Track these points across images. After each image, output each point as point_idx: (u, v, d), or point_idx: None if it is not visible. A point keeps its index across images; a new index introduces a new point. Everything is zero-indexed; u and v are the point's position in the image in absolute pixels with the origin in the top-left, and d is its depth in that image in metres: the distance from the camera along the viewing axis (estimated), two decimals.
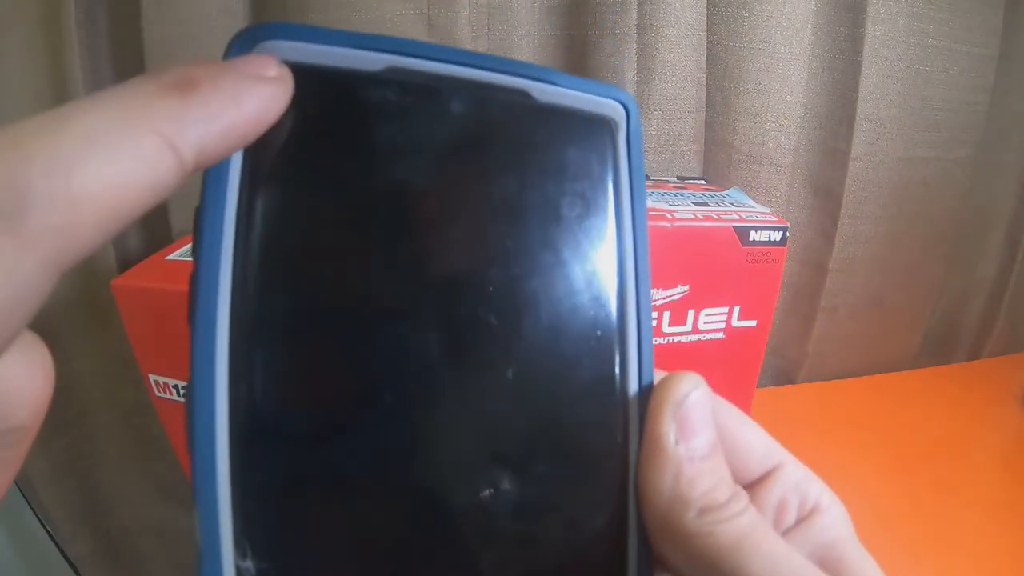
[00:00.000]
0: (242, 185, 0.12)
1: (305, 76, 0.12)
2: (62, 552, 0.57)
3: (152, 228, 0.52)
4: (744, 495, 0.14)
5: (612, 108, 0.15)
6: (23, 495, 0.54)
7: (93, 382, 0.53)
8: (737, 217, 0.37)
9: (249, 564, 0.12)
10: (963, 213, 0.61)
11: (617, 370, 0.15)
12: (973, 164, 0.59)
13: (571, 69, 0.49)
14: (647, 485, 0.14)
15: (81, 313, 0.51)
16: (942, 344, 0.68)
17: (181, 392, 0.32)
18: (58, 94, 0.44)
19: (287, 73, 0.12)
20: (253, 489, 0.12)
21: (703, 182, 0.50)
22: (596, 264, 0.15)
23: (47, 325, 0.50)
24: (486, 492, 0.14)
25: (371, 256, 0.13)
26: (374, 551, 0.13)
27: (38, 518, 0.55)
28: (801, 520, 0.16)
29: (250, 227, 0.12)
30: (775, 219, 0.38)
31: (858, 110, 0.52)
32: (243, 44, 0.12)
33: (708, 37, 0.49)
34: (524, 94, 0.14)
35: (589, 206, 0.15)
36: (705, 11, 0.48)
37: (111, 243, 0.48)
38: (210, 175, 0.12)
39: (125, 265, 0.48)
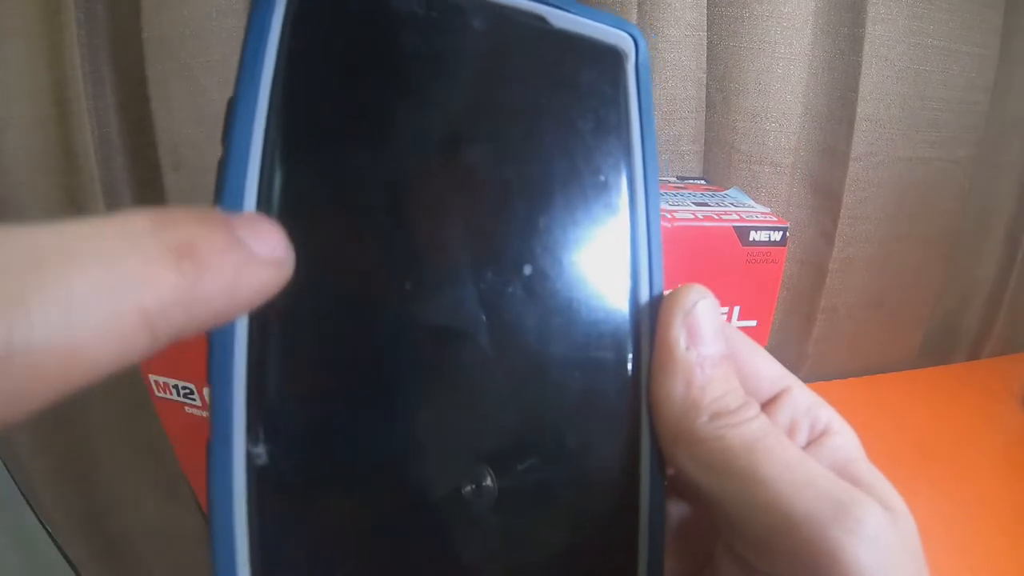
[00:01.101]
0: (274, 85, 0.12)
1: None
2: (62, 552, 0.57)
3: None
4: (755, 404, 0.14)
5: (622, 38, 0.16)
6: (23, 495, 0.54)
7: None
8: (737, 217, 0.37)
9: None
10: (963, 213, 0.61)
11: (628, 282, 0.15)
12: (973, 164, 0.59)
13: None
14: (659, 392, 0.14)
15: None
16: (942, 344, 0.68)
17: (181, 392, 0.32)
18: (58, 93, 0.44)
19: (291, 255, 0.11)
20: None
21: (703, 182, 0.50)
22: (607, 176, 0.15)
23: None
24: (501, 399, 0.14)
25: (398, 157, 0.13)
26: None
27: (38, 518, 0.55)
28: (812, 442, 0.15)
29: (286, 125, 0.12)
30: (775, 219, 0.38)
31: (858, 110, 0.52)
32: None
33: (708, 37, 0.49)
34: (541, 18, 0.15)
35: (601, 122, 0.15)
36: (705, 11, 0.48)
37: None
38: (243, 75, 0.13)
39: None
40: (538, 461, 0.14)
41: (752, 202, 0.42)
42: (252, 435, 0.12)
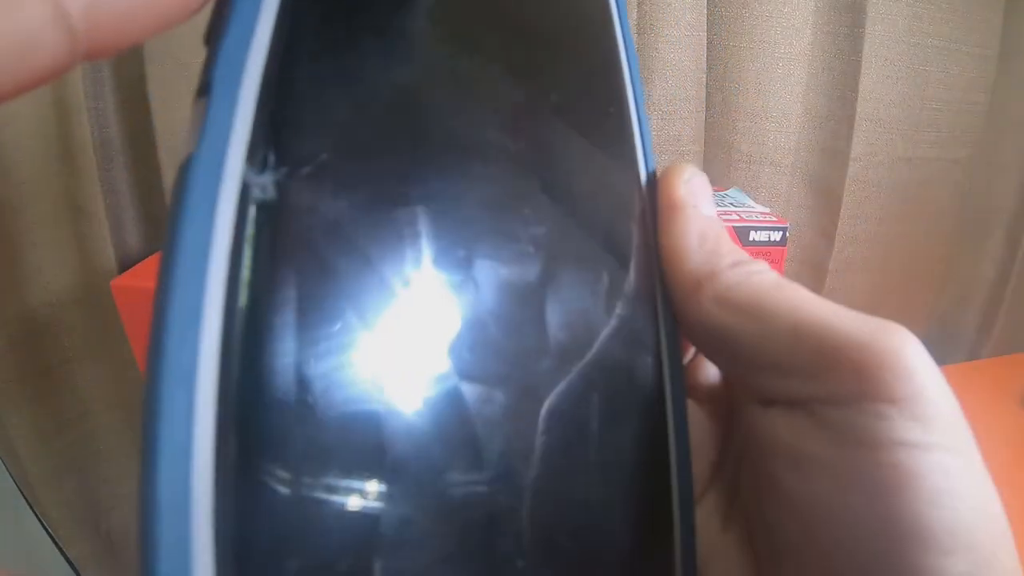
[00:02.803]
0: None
1: None
2: (62, 552, 0.57)
3: (152, 228, 0.52)
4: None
5: None
6: (23, 495, 0.54)
7: (93, 382, 0.53)
8: (737, 217, 0.37)
9: None
10: (963, 213, 0.61)
11: (626, 161, 0.15)
12: (973, 164, 0.59)
13: None
14: (674, 245, 0.14)
15: (81, 313, 0.51)
16: (942, 344, 0.68)
17: None
18: (58, 94, 0.44)
19: None
20: None
21: None
22: (602, 80, 0.16)
23: (48, 325, 0.50)
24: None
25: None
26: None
27: (38, 518, 0.55)
28: None
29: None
30: (775, 219, 0.38)
31: (858, 110, 0.52)
32: None
33: (708, 37, 0.50)
34: None
35: (590, 31, 0.16)
36: (705, 11, 0.48)
37: (111, 243, 0.48)
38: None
39: (125, 265, 0.48)
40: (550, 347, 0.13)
41: (752, 202, 0.42)
42: (254, 156, 0.09)
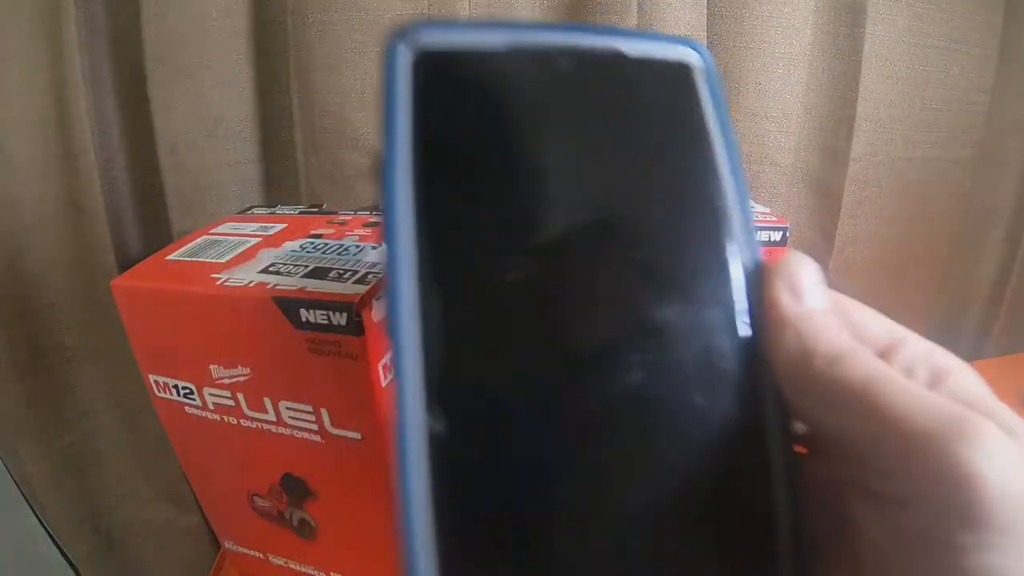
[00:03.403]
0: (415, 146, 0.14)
1: (450, 58, 0.15)
2: (62, 552, 0.57)
3: (152, 228, 0.52)
4: (868, 348, 0.15)
5: (686, 53, 0.18)
6: (23, 495, 0.54)
7: (93, 382, 0.53)
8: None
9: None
10: (963, 213, 0.61)
11: (733, 261, 0.17)
12: (973, 164, 0.59)
13: None
14: (774, 348, 0.15)
15: (81, 313, 0.51)
16: (941, 344, 0.68)
17: (181, 392, 0.32)
18: (59, 94, 0.44)
19: None
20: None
21: None
22: (703, 174, 0.17)
23: (48, 325, 0.50)
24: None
25: (543, 200, 0.16)
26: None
27: (38, 518, 0.55)
28: (932, 385, 0.15)
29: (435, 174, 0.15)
30: (775, 219, 0.38)
31: (858, 110, 0.52)
32: (398, 38, 0.15)
33: (708, 37, 0.49)
34: (617, 52, 0.17)
35: (686, 136, 0.18)
36: (705, 11, 0.48)
37: (111, 243, 0.48)
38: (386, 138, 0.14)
39: (125, 265, 0.48)
40: (664, 427, 0.15)
41: (752, 202, 0.42)
42: (432, 409, 0.13)
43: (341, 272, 0.28)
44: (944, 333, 0.68)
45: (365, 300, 0.25)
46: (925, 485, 0.13)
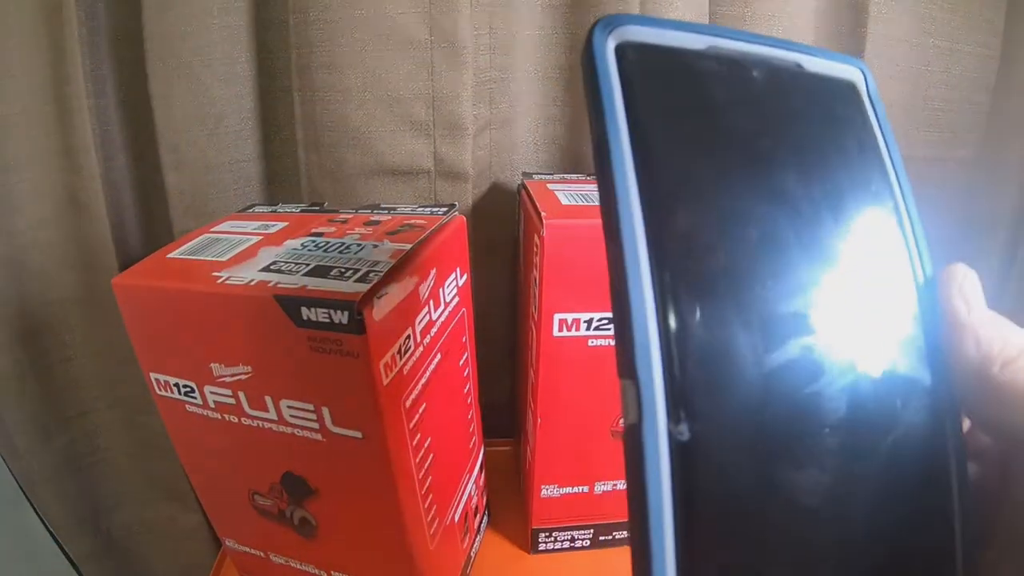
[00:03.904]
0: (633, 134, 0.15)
1: (653, 51, 0.16)
2: (63, 550, 0.57)
3: (153, 226, 0.52)
4: None
5: (855, 73, 0.19)
6: (24, 493, 0.54)
7: (94, 381, 0.54)
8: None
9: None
10: (964, 212, 0.61)
11: (912, 276, 0.18)
12: (975, 164, 0.59)
13: (573, 67, 0.49)
14: (956, 355, 0.17)
15: (82, 311, 0.51)
16: None
17: (182, 390, 0.32)
18: (60, 92, 0.44)
19: None
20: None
21: None
22: (879, 196, 0.18)
23: (49, 323, 0.50)
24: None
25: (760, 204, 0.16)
26: None
27: (39, 516, 0.55)
28: None
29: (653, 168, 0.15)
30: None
31: None
32: (603, 27, 0.16)
33: None
34: (798, 64, 0.18)
35: (861, 148, 0.19)
36: (706, 11, 0.48)
37: (112, 241, 0.48)
38: (602, 133, 0.15)
39: (126, 263, 0.48)
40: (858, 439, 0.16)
41: None
42: (673, 416, 0.13)
43: (342, 270, 0.28)
44: None
45: (366, 298, 0.25)
46: None
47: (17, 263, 0.48)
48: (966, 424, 0.19)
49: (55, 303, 0.50)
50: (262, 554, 0.38)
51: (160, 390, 0.32)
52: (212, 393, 0.31)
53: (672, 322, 0.14)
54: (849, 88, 0.19)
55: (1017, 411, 0.16)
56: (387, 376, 0.27)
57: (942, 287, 0.18)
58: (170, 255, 0.32)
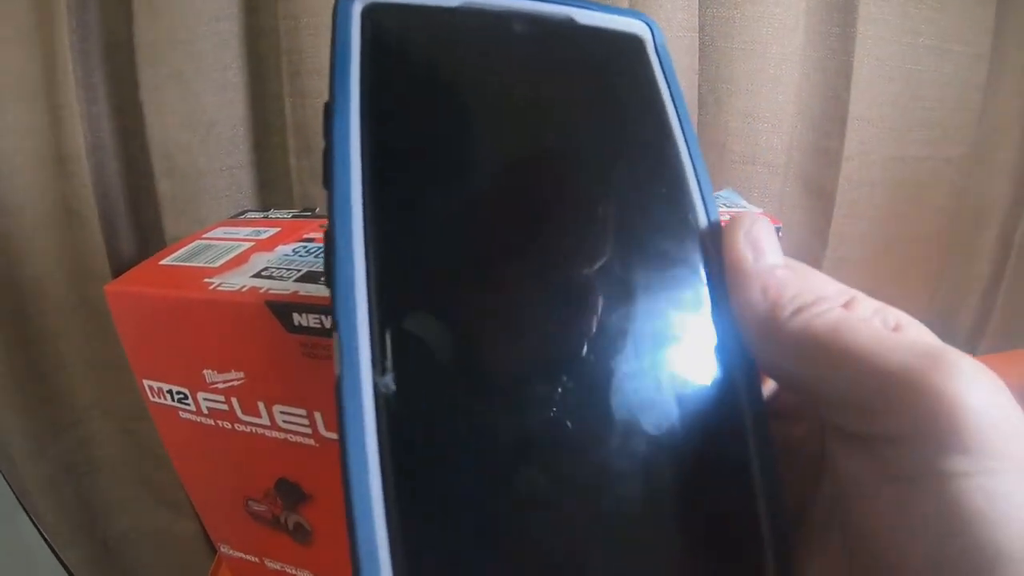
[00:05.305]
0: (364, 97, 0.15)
1: (403, 11, 0.16)
2: (58, 558, 0.57)
3: (145, 233, 0.52)
4: (831, 299, 0.15)
5: (638, 26, 0.19)
6: (19, 501, 0.54)
7: (88, 388, 0.53)
8: (730, 218, 0.37)
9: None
10: (956, 212, 0.61)
11: (689, 216, 0.17)
12: (966, 163, 0.59)
13: None
14: (741, 304, 0.16)
15: (75, 318, 0.51)
16: None
17: (175, 397, 0.32)
18: (51, 99, 0.44)
19: None
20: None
21: None
22: (659, 145, 0.18)
23: (42, 331, 0.50)
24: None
25: (483, 160, 0.16)
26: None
27: (34, 524, 0.55)
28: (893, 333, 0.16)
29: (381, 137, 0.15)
30: (768, 219, 0.38)
31: (850, 110, 0.52)
32: None
33: (700, 38, 0.50)
34: (569, 18, 0.18)
35: (640, 101, 0.18)
36: (697, 12, 0.49)
37: (105, 248, 0.48)
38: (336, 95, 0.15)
39: (119, 270, 0.48)
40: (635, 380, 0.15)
41: (745, 203, 0.42)
42: (379, 367, 0.13)
43: None
44: (938, 331, 0.68)
45: None
46: (909, 418, 0.13)
47: (9, 270, 0.48)
48: (770, 385, 0.18)
49: (48, 310, 0.50)
50: (257, 560, 0.38)
51: (153, 397, 0.32)
52: (205, 399, 0.31)
53: (378, 272, 0.13)
54: (633, 41, 0.18)
55: (811, 362, 0.14)
56: None
57: (726, 235, 0.17)
58: (162, 262, 0.32)
